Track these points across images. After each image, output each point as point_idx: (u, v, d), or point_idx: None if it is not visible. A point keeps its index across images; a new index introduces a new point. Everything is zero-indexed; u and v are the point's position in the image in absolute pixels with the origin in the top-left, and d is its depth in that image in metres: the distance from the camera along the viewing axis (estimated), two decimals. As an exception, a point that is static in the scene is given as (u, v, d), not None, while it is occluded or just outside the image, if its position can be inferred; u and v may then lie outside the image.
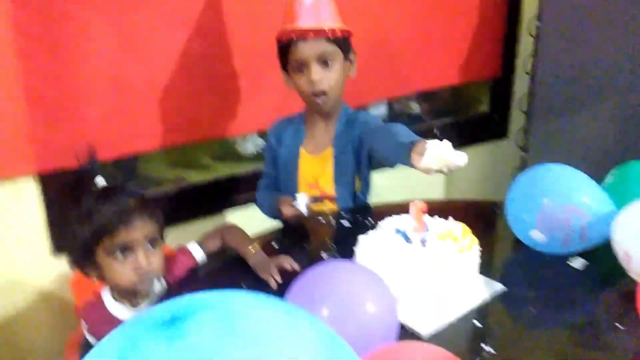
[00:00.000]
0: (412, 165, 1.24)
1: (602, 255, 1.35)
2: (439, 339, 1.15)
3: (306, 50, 1.57)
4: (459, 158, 1.16)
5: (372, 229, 1.32)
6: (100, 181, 1.39)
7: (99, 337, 1.24)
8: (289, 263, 1.38)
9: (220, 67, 1.98)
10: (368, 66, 2.26)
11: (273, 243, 1.53)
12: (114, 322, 1.18)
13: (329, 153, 1.71)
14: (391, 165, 1.57)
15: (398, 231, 1.32)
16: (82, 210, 1.32)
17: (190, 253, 1.48)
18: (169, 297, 1.32)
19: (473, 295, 1.27)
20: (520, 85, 2.76)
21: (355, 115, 1.71)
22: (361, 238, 1.32)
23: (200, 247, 1.50)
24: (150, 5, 1.82)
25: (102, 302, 1.41)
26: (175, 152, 2.40)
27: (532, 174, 1.47)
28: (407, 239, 1.27)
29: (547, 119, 2.56)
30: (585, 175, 1.44)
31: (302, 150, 1.73)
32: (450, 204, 1.82)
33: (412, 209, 1.28)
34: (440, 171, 1.19)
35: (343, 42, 1.62)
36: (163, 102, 1.91)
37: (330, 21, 1.59)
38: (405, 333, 1.16)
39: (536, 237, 1.42)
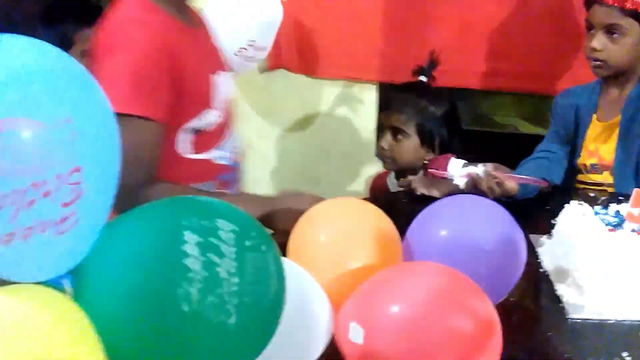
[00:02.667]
0: None
1: None
2: (582, 327, 1.04)
3: (596, 14, 1.51)
4: None
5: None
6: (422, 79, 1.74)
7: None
8: None
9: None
10: None
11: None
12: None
13: (617, 120, 1.57)
14: None
15: (617, 214, 1.18)
16: None
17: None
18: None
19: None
20: None
21: None
22: (570, 204, 1.22)
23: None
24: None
25: None
26: (527, 105, 2.38)
27: None
28: (618, 224, 1.14)
29: None
30: None
31: (593, 117, 1.62)
32: None
33: (634, 194, 1.12)
34: None
35: None
36: (504, 46, 1.97)
37: None
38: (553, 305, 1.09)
39: None
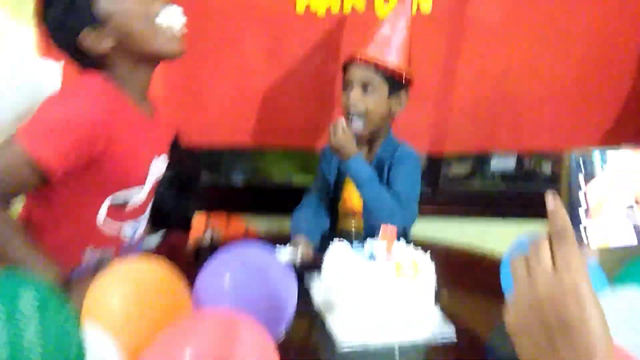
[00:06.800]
0: None
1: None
2: (350, 355, 1.22)
3: (355, 73, 1.79)
4: None
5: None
6: None
7: None
8: None
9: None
10: (491, 114, 2.27)
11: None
12: None
13: None
14: None
15: (370, 248, 1.40)
16: None
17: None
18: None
19: (412, 327, 1.30)
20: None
21: (397, 146, 1.85)
22: (334, 242, 1.43)
23: None
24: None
25: None
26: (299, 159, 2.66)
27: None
28: (371, 256, 1.35)
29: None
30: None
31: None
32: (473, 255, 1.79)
33: (381, 229, 1.35)
34: None
35: (393, 79, 1.78)
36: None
37: (392, 58, 1.77)
38: (325, 337, 1.27)
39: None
